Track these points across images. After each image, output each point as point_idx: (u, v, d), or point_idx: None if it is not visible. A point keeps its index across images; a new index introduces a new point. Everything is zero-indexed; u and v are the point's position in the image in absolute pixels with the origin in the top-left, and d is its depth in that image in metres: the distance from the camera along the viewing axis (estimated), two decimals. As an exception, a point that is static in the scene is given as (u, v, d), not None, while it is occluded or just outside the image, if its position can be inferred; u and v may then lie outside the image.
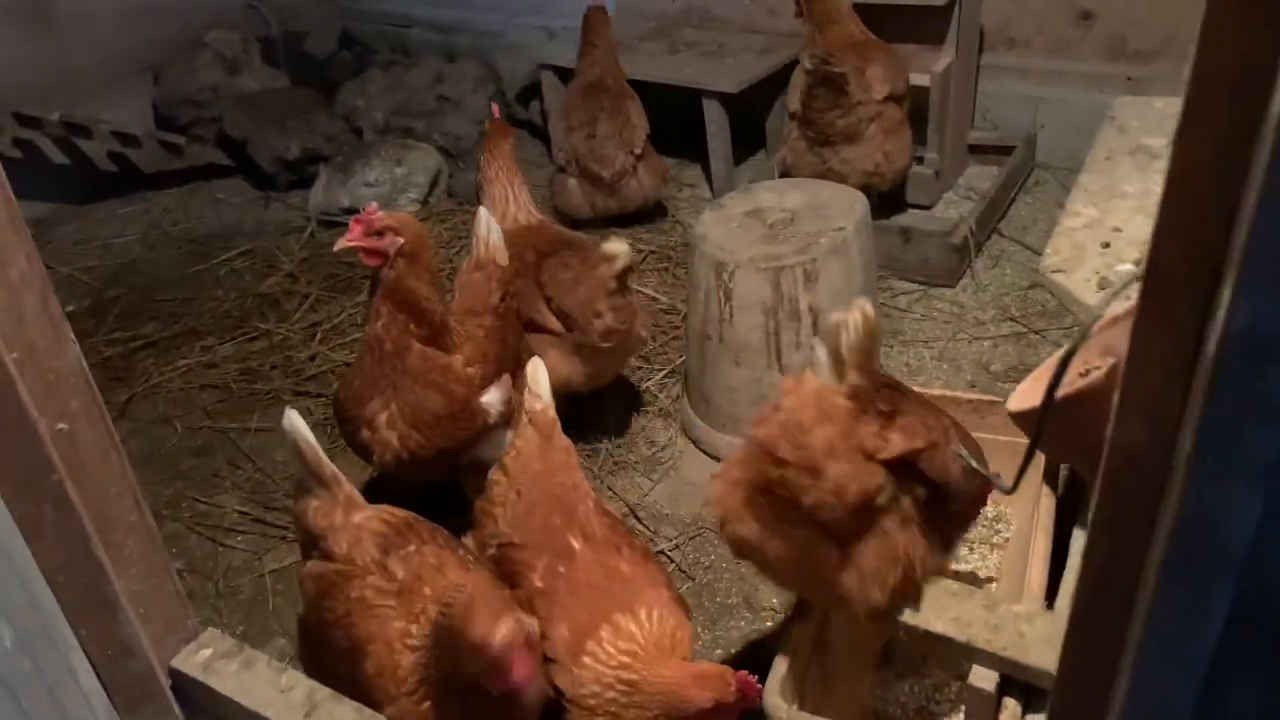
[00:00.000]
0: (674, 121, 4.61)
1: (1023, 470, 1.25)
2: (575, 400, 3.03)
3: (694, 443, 3.13)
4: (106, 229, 4.74)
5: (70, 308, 4.13)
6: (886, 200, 3.90)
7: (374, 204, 2.44)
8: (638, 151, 4.19)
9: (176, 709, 1.87)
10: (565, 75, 4.77)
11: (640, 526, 2.83)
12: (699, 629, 2.55)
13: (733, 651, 2.46)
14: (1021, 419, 2.00)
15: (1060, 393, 0.89)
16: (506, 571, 1.98)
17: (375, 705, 1.74)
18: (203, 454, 3.29)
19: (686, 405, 3.17)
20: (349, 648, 1.75)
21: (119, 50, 5.11)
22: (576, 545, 1.96)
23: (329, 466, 1.93)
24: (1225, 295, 0.46)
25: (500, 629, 1.55)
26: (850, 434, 1.47)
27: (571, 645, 1.83)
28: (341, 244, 2.34)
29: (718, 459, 3.04)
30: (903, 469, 1.53)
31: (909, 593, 1.72)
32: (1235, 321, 0.46)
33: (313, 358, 3.68)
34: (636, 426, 3.21)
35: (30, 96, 4.57)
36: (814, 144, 3.68)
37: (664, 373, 3.40)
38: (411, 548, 1.82)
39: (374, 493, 2.94)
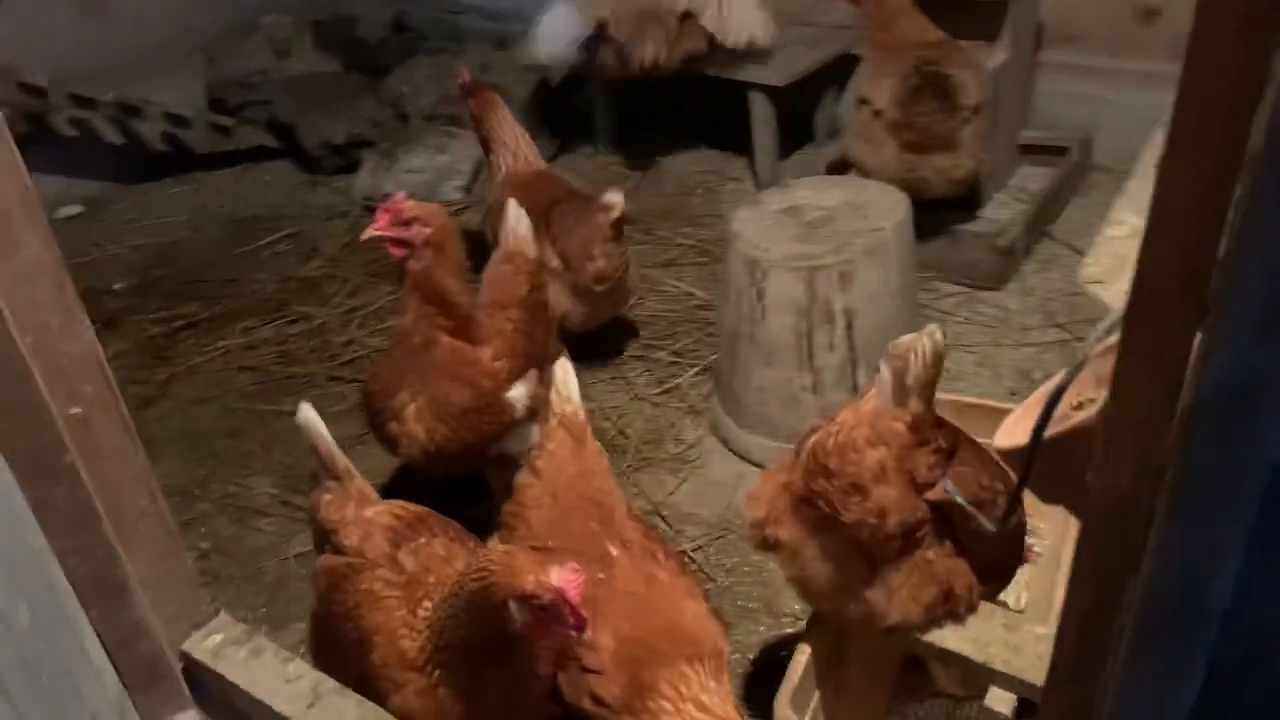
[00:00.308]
0: (720, 112, 4.56)
1: (1008, 513, 1.21)
2: (573, 336, 3.14)
3: (722, 442, 3.09)
4: (157, 208, 4.82)
5: (118, 285, 4.21)
6: (933, 200, 3.80)
7: (402, 194, 2.42)
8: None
9: (186, 691, 1.89)
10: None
11: (664, 525, 2.80)
12: (718, 632, 2.51)
13: (750, 657, 2.43)
14: (1010, 457, 1.91)
15: (1050, 431, 0.85)
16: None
17: (382, 696, 1.74)
18: (236, 435, 3.33)
19: (716, 403, 3.13)
20: (357, 640, 1.75)
21: (174, 32, 5.18)
22: (615, 552, 1.90)
23: (342, 460, 1.93)
24: (1204, 342, 0.42)
25: (553, 571, 1.52)
26: (904, 461, 1.44)
27: (619, 658, 1.76)
28: (369, 233, 2.33)
29: (745, 459, 3.00)
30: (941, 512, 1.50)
31: (956, 611, 1.69)
32: (1213, 370, 0.42)
33: (349, 343, 3.70)
34: (665, 423, 3.18)
35: (87, 77, 4.65)
36: (909, 149, 3.46)
37: (696, 370, 3.36)
38: (422, 540, 1.81)
39: (401, 484, 2.96)
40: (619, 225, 3.07)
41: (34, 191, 1.45)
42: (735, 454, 3.03)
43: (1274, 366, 0.40)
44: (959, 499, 1.43)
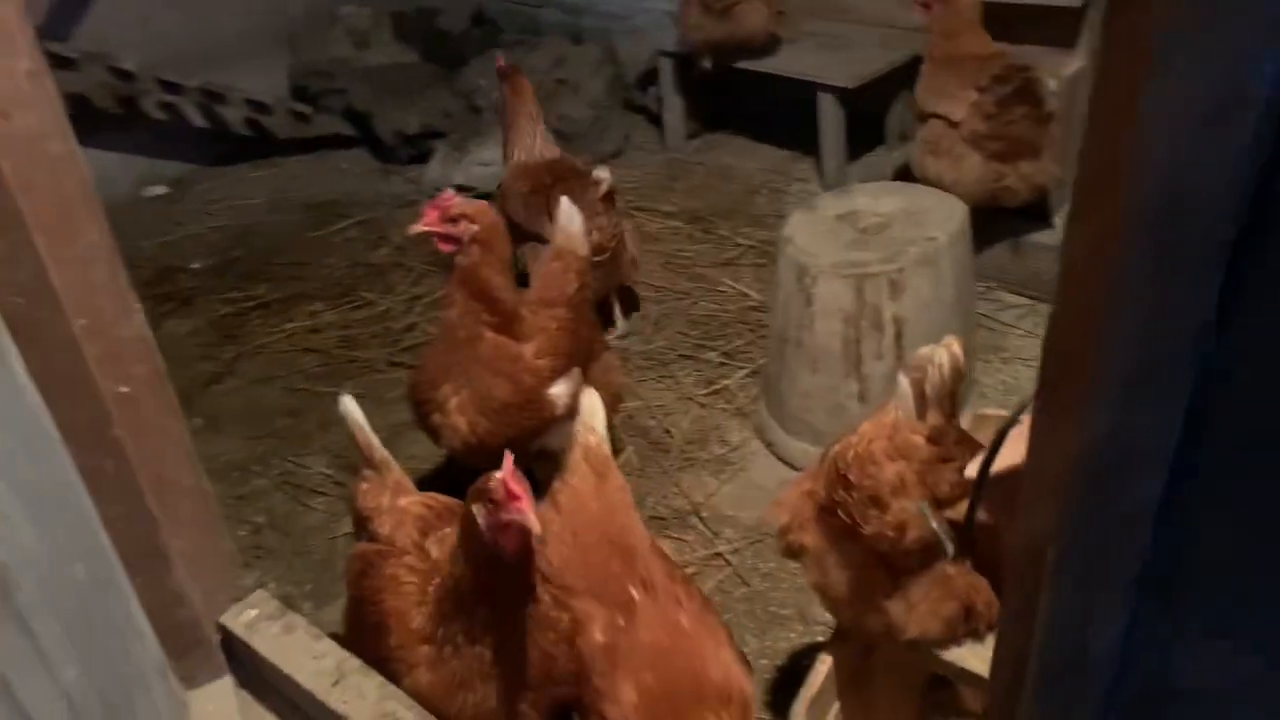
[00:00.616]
0: (790, 112, 4.53)
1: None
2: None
3: (767, 446, 3.08)
4: (237, 190, 4.99)
5: (196, 265, 4.38)
6: (1003, 209, 3.72)
7: (450, 190, 2.47)
8: None
9: (222, 660, 1.97)
10: (683, 63, 4.75)
11: (702, 527, 2.81)
12: (748, 636, 2.52)
13: (778, 664, 2.43)
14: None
15: (1003, 465, 0.84)
16: (558, 617, 1.86)
17: (398, 678, 1.79)
18: (296, 415, 3.44)
19: (763, 407, 3.13)
20: (378, 622, 1.81)
21: (261, 21, 5.35)
22: (637, 596, 1.84)
23: (380, 451, 1.99)
24: (1088, 403, 0.42)
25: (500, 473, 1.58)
26: (925, 476, 1.43)
27: (643, 711, 1.72)
28: (416, 228, 2.38)
29: (788, 464, 2.99)
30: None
31: (976, 629, 1.68)
32: (1095, 429, 0.42)
33: (409, 329, 3.79)
34: (711, 424, 3.18)
35: (178, 63, 4.84)
36: (996, 158, 3.41)
37: (745, 372, 3.35)
38: (447, 530, 1.86)
39: (447, 471, 3.03)
40: (609, 199, 3.32)
41: (90, 182, 1.53)
42: (779, 459, 3.03)
43: (1146, 426, 0.40)
44: (933, 523, 1.42)
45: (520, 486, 1.55)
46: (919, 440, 1.48)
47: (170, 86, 4.73)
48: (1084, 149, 0.41)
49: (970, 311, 3.08)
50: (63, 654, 1.25)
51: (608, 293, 3.58)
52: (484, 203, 2.49)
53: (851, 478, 1.55)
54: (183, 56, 4.90)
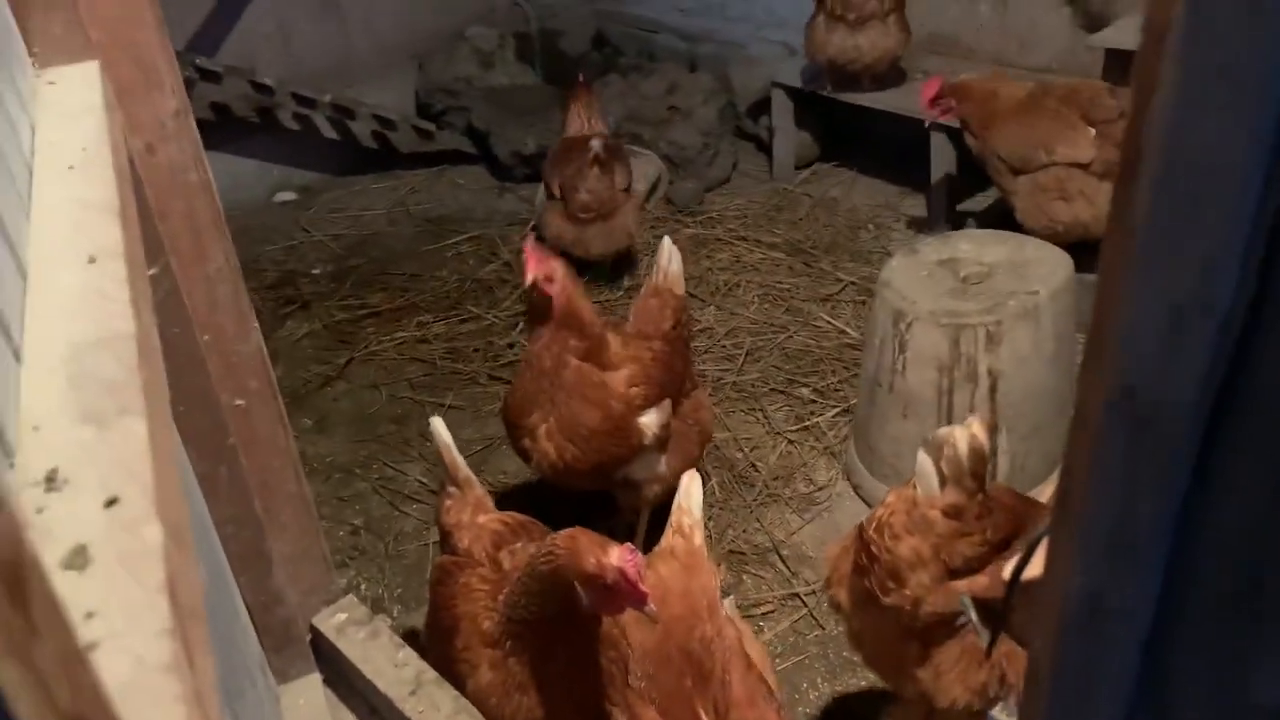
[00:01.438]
0: (899, 147, 4.50)
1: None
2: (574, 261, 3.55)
3: (854, 488, 3.08)
4: (359, 201, 5.23)
5: (316, 270, 4.61)
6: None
7: (531, 238, 2.58)
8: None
9: (312, 659, 2.09)
10: (796, 95, 4.77)
11: (781, 565, 2.83)
12: (819, 680, 2.52)
13: (849, 708, 2.43)
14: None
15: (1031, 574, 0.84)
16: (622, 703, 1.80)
17: (463, 679, 1.87)
18: (400, 422, 3.59)
19: (852, 447, 3.12)
20: (450, 626, 1.90)
21: (393, 39, 5.59)
22: None
23: (464, 470, 2.08)
24: (1073, 555, 0.44)
25: (613, 551, 1.60)
26: (941, 550, 1.45)
27: None
28: (531, 277, 2.45)
29: (873, 508, 2.98)
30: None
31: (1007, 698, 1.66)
32: (1069, 584, 0.44)
33: (511, 345, 3.91)
34: (798, 461, 3.19)
35: (315, 77, 5.12)
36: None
37: (836, 410, 3.35)
38: (519, 544, 1.94)
39: (537, 488, 3.12)
40: (597, 161, 3.88)
41: (221, 210, 1.66)
42: (865, 502, 3.02)
43: (1122, 585, 0.42)
44: (972, 614, 1.42)
45: (639, 574, 1.58)
46: (935, 515, 1.50)
47: (304, 100, 5.00)
48: (1087, 338, 0.44)
49: (1071, 366, 3.01)
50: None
51: (606, 256, 4.12)
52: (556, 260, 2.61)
53: (874, 549, 1.57)
54: (318, 72, 5.18)
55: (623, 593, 1.61)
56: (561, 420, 2.52)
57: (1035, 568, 0.81)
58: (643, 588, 1.59)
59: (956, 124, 3.81)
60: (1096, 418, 0.40)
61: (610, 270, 4.24)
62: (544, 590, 1.70)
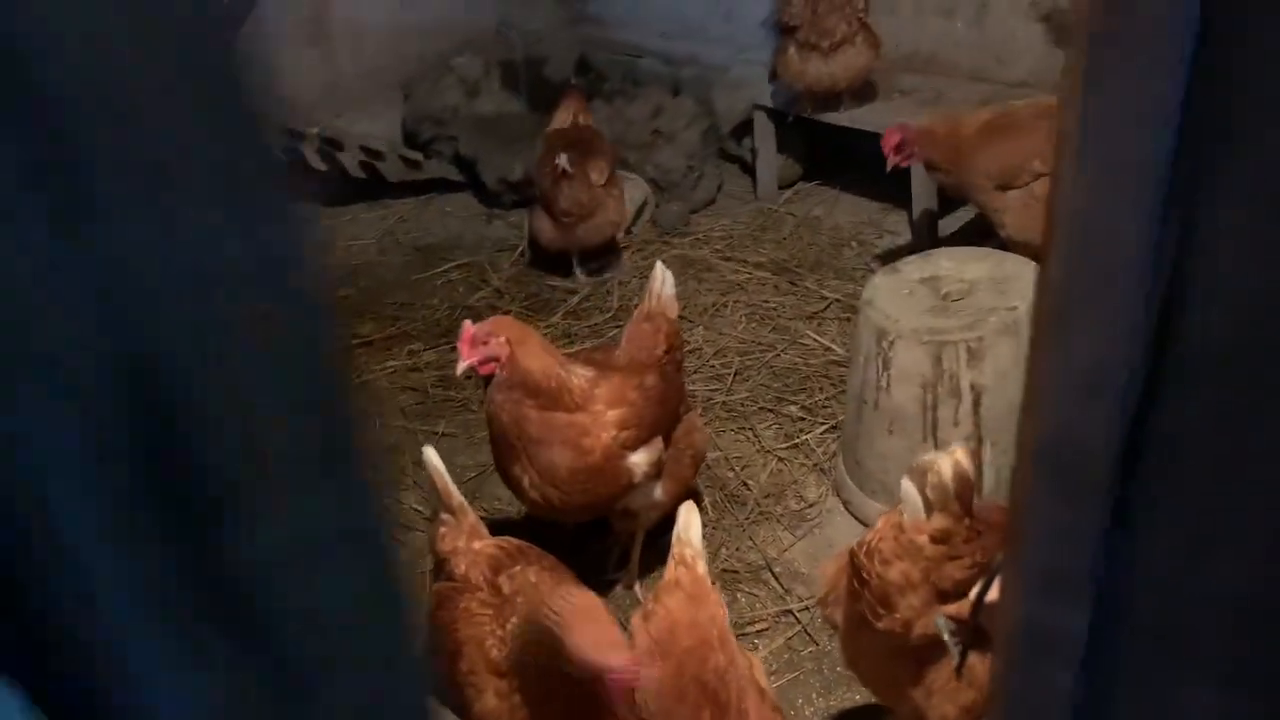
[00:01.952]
0: (880, 164, 4.57)
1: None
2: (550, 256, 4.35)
3: (844, 504, 3.12)
4: (349, 230, 5.27)
5: (308, 301, 4.64)
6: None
7: (467, 321, 2.50)
8: (861, 19, 4.33)
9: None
10: (777, 117, 4.84)
11: (774, 583, 2.87)
12: (814, 695, 2.56)
13: (842, 725, 2.46)
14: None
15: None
16: None
17: (468, 702, 1.91)
18: (392, 450, 3.62)
19: (841, 464, 3.17)
20: (452, 650, 1.94)
21: (381, 67, 5.66)
22: None
23: (458, 497, 2.13)
24: (1013, 590, 0.49)
25: (612, 656, 1.58)
26: (930, 574, 1.49)
27: None
28: (461, 368, 2.45)
29: (864, 523, 3.02)
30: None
31: None
32: (1017, 607, 0.49)
33: (502, 371, 3.95)
34: (789, 478, 3.24)
35: (301, 106, 5.17)
36: None
37: (825, 427, 3.40)
38: (518, 568, 1.99)
39: (528, 520, 3.15)
40: (565, 176, 4.11)
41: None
42: (855, 518, 3.06)
43: (1058, 616, 0.47)
44: (945, 636, 1.46)
45: (630, 686, 1.57)
46: (923, 540, 1.53)
47: (292, 134, 5.05)
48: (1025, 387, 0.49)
49: (1054, 378, 3.06)
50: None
51: (574, 248, 4.41)
52: (501, 317, 2.63)
53: (864, 574, 1.61)
54: (304, 101, 5.23)
55: (606, 690, 1.60)
56: (540, 470, 2.53)
57: (995, 592, 0.86)
58: (630, 684, 1.57)
59: (922, 166, 3.85)
60: (1027, 464, 0.45)
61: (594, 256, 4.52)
62: (546, 645, 1.70)
